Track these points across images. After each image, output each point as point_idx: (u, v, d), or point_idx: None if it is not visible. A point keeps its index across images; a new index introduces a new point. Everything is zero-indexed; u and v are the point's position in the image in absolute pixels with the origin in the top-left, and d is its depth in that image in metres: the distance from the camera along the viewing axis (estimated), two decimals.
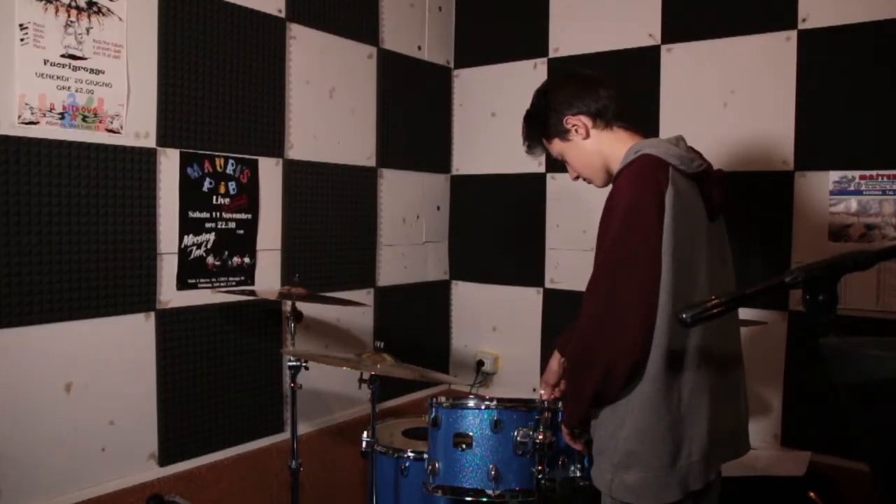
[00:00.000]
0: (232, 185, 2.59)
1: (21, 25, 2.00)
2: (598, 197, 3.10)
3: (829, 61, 2.63)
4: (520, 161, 3.38)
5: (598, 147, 1.82)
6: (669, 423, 1.61)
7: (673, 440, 1.61)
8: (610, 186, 1.86)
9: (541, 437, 1.98)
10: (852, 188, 2.59)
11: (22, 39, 2.01)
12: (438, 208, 3.60)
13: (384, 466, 2.43)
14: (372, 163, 3.19)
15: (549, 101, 1.86)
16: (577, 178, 1.92)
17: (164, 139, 2.37)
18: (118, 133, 2.25)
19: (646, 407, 1.60)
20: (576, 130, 1.82)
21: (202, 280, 2.50)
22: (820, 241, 2.64)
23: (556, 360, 2.17)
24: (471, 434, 2.02)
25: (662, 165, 1.63)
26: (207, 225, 2.51)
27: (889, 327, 2.49)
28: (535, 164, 3.35)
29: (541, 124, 1.88)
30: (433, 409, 2.11)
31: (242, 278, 2.63)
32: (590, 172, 1.87)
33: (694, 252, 1.64)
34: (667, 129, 2.94)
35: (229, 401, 2.61)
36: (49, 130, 2.08)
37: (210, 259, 2.52)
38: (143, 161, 2.32)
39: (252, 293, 2.57)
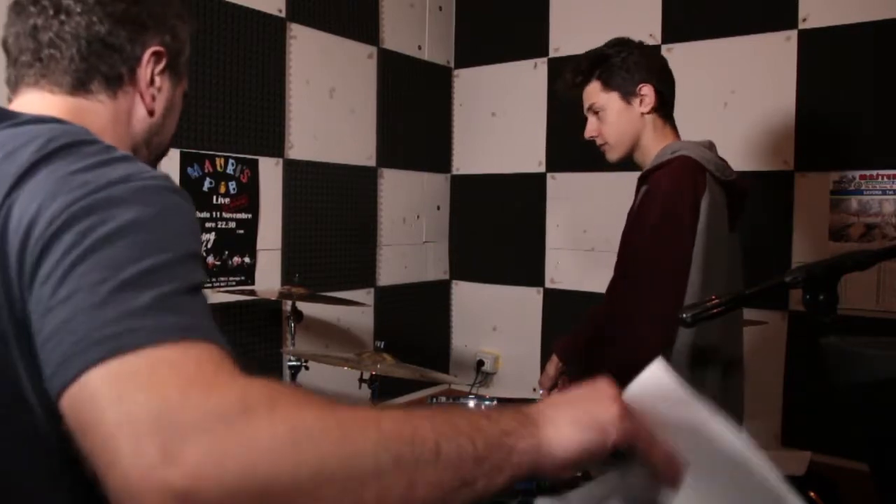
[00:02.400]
0: (232, 185, 2.59)
1: None
2: (598, 197, 3.11)
3: (829, 61, 2.63)
4: (520, 161, 3.40)
5: (644, 127, 1.77)
6: None
7: None
8: (626, 185, 1.86)
9: None
10: (852, 188, 2.59)
11: None
12: (438, 208, 3.60)
13: None
14: (372, 163, 3.19)
15: (634, 59, 1.76)
16: (594, 137, 1.82)
17: None
18: None
19: None
20: (641, 101, 1.75)
21: None
22: (820, 241, 2.64)
23: (553, 365, 2.16)
24: None
25: (700, 170, 1.62)
26: (207, 225, 2.51)
27: (889, 327, 2.49)
28: (535, 164, 3.35)
29: (612, 71, 1.77)
30: None
31: (242, 278, 2.63)
32: (616, 141, 1.79)
33: (719, 260, 1.64)
34: None
35: None
36: None
37: (210, 259, 2.52)
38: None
39: (252, 293, 2.56)
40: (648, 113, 1.76)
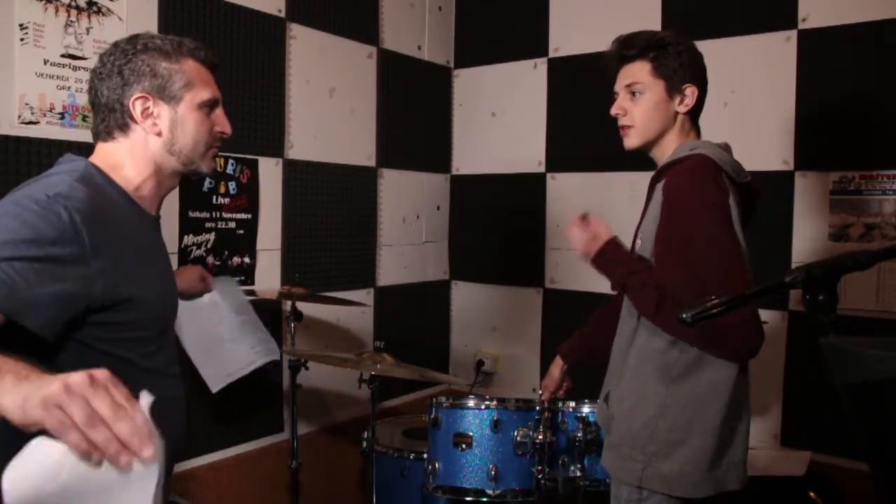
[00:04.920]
0: (232, 185, 2.59)
1: (21, 25, 2.00)
2: (598, 197, 3.11)
3: (829, 61, 2.63)
4: (520, 161, 3.40)
5: (673, 126, 1.73)
6: (725, 418, 1.60)
7: (722, 436, 1.60)
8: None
9: (541, 437, 1.98)
10: (852, 188, 2.59)
11: (22, 39, 2.01)
12: (438, 208, 3.60)
13: (384, 466, 2.43)
14: (372, 163, 3.19)
15: (688, 56, 1.72)
16: (621, 116, 1.76)
17: None
18: None
19: (707, 398, 1.59)
20: (682, 100, 1.72)
21: None
22: (820, 241, 2.64)
23: (557, 367, 2.17)
24: (471, 434, 2.02)
25: (718, 169, 1.62)
26: (207, 225, 2.51)
27: (889, 327, 2.49)
28: (535, 164, 3.35)
29: (666, 60, 1.71)
30: (433, 409, 2.11)
31: (242, 278, 2.63)
32: (643, 127, 1.73)
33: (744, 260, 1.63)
34: None
35: (229, 401, 2.61)
36: (49, 130, 2.08)
37: (210, 259, 2.52)
38: None
39: (252, 293, 2.56)
40: (683, 113, 1.73)
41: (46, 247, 1.17)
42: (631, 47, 1.74)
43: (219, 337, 2.11)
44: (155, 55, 1.39)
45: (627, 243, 1.79)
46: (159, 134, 1.40)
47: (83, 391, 0.82)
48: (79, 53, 2.13)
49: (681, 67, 1.71)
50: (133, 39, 1.41)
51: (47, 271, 1.16)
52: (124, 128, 1.40)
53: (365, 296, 3.15)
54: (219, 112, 1.48)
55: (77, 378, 0.83)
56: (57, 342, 1.22)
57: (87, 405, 0.81)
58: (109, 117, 1.40)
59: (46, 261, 1.17)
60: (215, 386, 2.12)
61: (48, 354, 1.23)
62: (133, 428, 0.81)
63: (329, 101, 2.98)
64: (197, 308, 2.06)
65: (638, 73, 1.72)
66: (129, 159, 1.40)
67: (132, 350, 1.34)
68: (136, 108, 1.38)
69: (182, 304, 2.01)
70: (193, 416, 2.48)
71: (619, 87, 1.77)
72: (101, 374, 0.85)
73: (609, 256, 1.71)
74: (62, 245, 1.19)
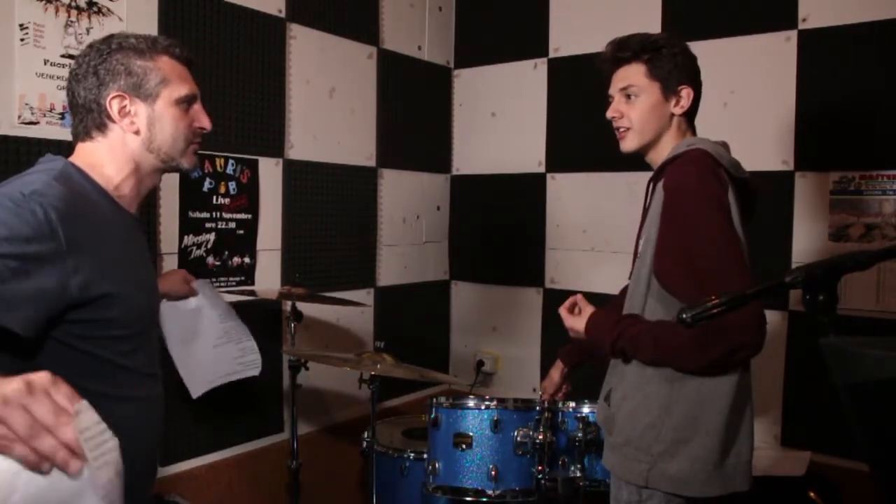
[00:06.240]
0: (232, 185, 2.59)
1: (21, 25, 2.00)
2: (598, 197, 3.11)
3: (829, 61, 2.63)
4: (520, 161, 3.41)
5: (669, 128, 1.73)
6: (729, 416, 1.59)
7: (728, 434, 1.60)
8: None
9: (541, 437, 1.98)
10: (852, 188, 2.59)
11: (22, 39, 2.01)
12: (438, 208, 3.60)
13: (384, 466, 2.43)
14: (372, 163, 3.19)
15: (682, 58, 1.72)
16: (617, 119, 1.75)
17: None
18: None
19: (711, 395, 1.58)
20: (677, 101, 1.71)
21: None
22: (820, 241, 2.64)
23: (557, 371, 2.17)
24: (471, 434, 2.02)
25: (717, 164, 1.62)
26: (207, 225, 2.51)
27: (889, 327, 2.49)
28: (535, 164, 3.35)
29: (661, 62, 1.70)
30: (433, 409, 2.11)
31: (242, 278, 2.63)
32: (641, 129, 1.72)
33: (745, 255, 1.62)
34: None
35: (229, 401, 2.61)
36: (49, 130, 2.08)
37: (210, 259, 2.52)
38: None
39: (252, 293, 2.56)
40: (679, 115, 1.73)
41: (22, 244, 1.16)
42: (625, 50, 1.74)
43: (202, 343, 2.12)
44: (129, 54, 1.40)
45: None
46: (137, 132, 1.41)
47: (21, 400, 0.78)
48: (79, 54, 2.13)
49: (676, 69, 1.71)
50: (107, 40, 1.42)
51: (23, 269, 1.15)
52: (102, 127, 1.40)
53: (365, 296, 3.15)
54: (197, 107, 1.48)
55: (13, 387, 0.78)
56: (35, 341, 1.21)
57: (27, 415, 0.77)
58: (87, 117, 1.40)
59: (22, 258, 1.15)
60: (196, 392, 2.12)
61: (26, 354, 1.21)
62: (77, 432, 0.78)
63: (329, 101, 2.98)
64: (181, 313, 2.07)
65: (633, 75, 1.72)
66: (109, 158, 1.41)
67: (110, 348, 1.33)
68: (113, 108, 1.39)
69: (167, 308, 2.02)
70: (193, 416, 2.49)
71: (614, 90, 1.76)
72: (40, 377, 0.80)
73: (595, 330, 1.77)
74: (38, 242, 1.18)
